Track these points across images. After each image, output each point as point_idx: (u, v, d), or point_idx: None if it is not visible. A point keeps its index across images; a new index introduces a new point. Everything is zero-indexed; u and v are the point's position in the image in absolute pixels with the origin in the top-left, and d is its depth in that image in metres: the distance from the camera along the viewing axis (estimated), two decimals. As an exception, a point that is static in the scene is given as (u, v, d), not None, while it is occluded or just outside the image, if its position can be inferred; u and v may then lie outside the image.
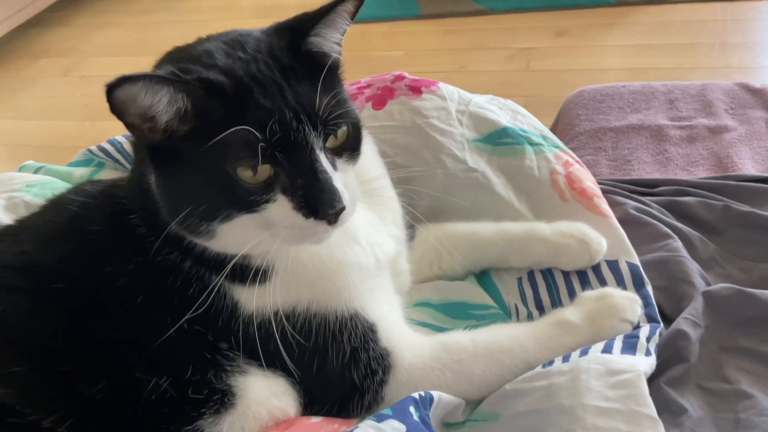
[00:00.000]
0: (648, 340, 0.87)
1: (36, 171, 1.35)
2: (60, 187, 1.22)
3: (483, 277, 1.08)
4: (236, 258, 0.83)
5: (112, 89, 0.71)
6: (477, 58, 3.07)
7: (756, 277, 1.01)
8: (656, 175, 1.44)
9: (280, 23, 0.87)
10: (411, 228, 1.05)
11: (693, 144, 1.49)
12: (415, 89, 1.20)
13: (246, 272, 0.85)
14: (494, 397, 0.88)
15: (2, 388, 0.77)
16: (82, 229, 0.89)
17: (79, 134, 3.15)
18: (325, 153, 0.79)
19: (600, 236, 1.00)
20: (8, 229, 0.96)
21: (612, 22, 3.10)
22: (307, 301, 0.87)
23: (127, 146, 1.30)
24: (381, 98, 1.21)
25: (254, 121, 0.75)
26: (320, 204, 0.77)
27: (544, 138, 1.14)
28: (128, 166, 1.27)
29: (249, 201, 0.77)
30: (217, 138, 0.74)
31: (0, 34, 3.66)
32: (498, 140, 1.14)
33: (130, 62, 3.61)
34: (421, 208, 1.04)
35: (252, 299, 0.86)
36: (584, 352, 0.85)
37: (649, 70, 2.72)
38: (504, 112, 1.19)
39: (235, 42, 0.83)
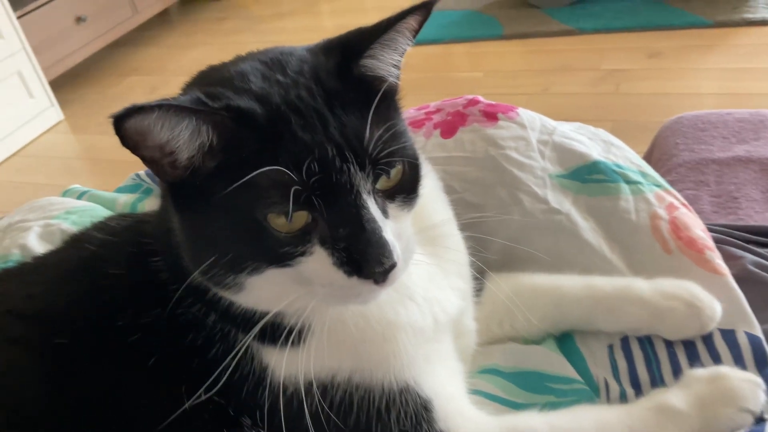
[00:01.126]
0: None
1: (80, 196, 1.24)
2: (100, 215, 1.10)
3: (565, 341, 0.87)
4: (268, 316, 0.67)
5: (120, 121, 0.56)
6: (562, 79, 2.90)
7: None
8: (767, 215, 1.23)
9: (329, 40, 0.70)
10: (478, 279, 0.86)
11: None
12: (491, 115, 1.01)
13: (278, 332, 0.70)
14: None
15: None
16: (98, 271, 0.76)
17: None
18: (374, 197, 0.63)
19: (713, 299, 0.80)
20: (22, 268, 0.84)
21: (709, 44, 2.89)
22: (348, 370, 0.71)
23: None
24: (451, 125, 1.02)
25: (289, 159, 0.59)
26: (365, 260, 0.61)
27: (644, 175, 0.93)
28: None
29: (281, 253, 0.62)
30: (245, 179, 0.59)
31: (92, 51, 3.71)
32: (587, 176, 0.94)
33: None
34: (491, 256, 0.85)
35: (283, 364, 0.71)
36: None
37: (750, 96, 2.51)
38: (595, 144, 0.98)
39: (274, 62, 0.67)
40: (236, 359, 0.68)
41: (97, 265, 0.77)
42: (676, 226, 0.87)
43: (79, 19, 3.55)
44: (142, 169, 1.22)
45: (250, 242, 0.62)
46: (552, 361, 0.85)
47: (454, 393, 0.75)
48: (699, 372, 0.75)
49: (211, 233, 0.64)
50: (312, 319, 0.69)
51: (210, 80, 0.66)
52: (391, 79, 0.68)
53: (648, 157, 1.58)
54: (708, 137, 1.46)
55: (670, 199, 0.90)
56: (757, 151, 1.37)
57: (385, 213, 0.64)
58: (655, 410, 0.73)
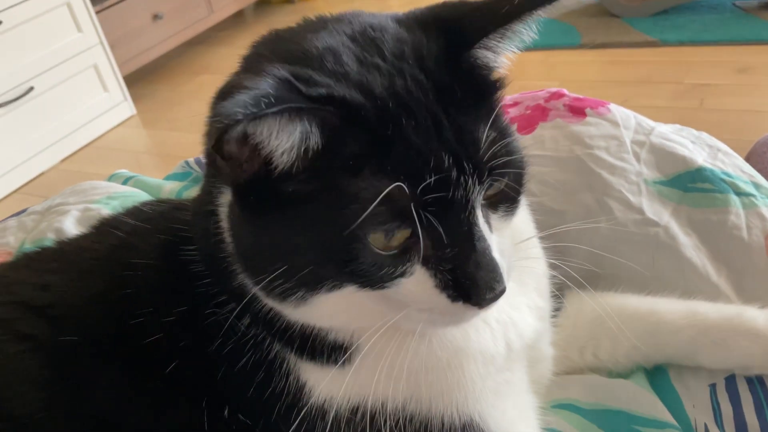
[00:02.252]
0: None
1: (125, 181, 1.16)
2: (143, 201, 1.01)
3: (658, 377, 0.73)
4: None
5: (234, 125, 0.44)
6: (643, 92, 2.73)
7: None
8: None
9: (426, 15, 0.57)
10: (557, 298, 0.72)
11: None
12: (577, 110, 0.87)
13: (323, 346, 0.59)
14: None
15: None
16: (122, 261, 0.65)
17: None
18: (482, 210, 0.52)
19: None
20: (42, 253, 0.75)
21: None
22: (402, 399, 0.60)
23: None
24: (530, 119, 0.89)
25: (403, 169, 0.48)
26: (475, 285, 0.51)
27: (757, 186, 0.79)
28: None
29: (378, 274, 0.51)
30: (347, 191, 0.48)
31: (167, 49, 3.73)
32: (690, 184, 0.80)
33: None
34: (573, 272, 0.71)
35: (325, 384, 0.59)
36: None
37: None
38: (699, 148, 0.84)
39: (366, 39, 0.54)
40: (270, 373, 0.58)
41: (123, 254, 0.67)
42: None
43: (156, 17, 3.57)
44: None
45: (338, 259, 0.50)
46: (641, 400, 0.70)
47: (519, 419, 0.62)
48: None
49: (287, 243, 0.52)
50: (362, 336, 0.57)
51: (289, 55, 0.54)
52: (502, 71, 0.56)
53: None
54: None
55: None
56: None
57: (489, 226, 0.52)
58: None
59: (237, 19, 4.28)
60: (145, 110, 3.57)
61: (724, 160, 0.83)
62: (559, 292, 0.72)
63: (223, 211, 0.58)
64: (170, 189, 1.09)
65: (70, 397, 0.59)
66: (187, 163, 1.16)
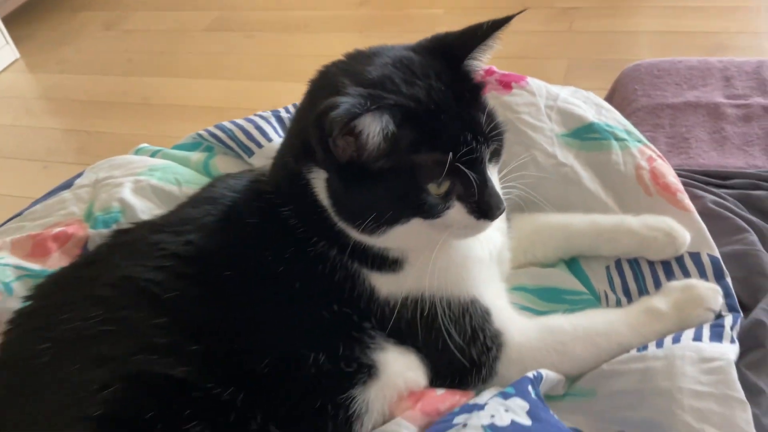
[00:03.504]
0: (732, 329, 0.98)
1: (153, 154, 1.44)
2: (180, 172, 1.33)
3: (573, 264, 1.18)
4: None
5: (354, 117, 0.81)
6: (519, 17, 3.10)
7: (827, 270, 1.11)
8: (713, 154, 1.53)
9: (429, 44, 0.98)
10: (508, 219, 1.15)
11: (749, 123, 1.57)
12: (506, 84, 1.29)
13: (384, 261, 0.97)
14: (591, 376, 0.99)
15: (184, 366, 0.87)
16: (239, 222, 1.00)
17: (126, 90, 3.25)
18: (487, 163, 0.93)
19: (684, 230, 1.10)
20: (166, 220, 1.06)
21: None
22: (434, 289, 0.98)
23: (239, 134, 1.38)
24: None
25: (446, 144, 0.87)
26: (490, 208, 0.92)
27: (629, 133, 1.23)
28: (240, 153, 1.37)
29: (433, 210, 0.89)
30: (415, 161, 0.87)
31: (42, -14, 3.72)
32: (585, 135, 1.23)
33: (171, 16, 3.69)
34: (514, 201, 1.14)
35: (387, 285, 0.98)
36: (677, 339, 0.96)
37: (694, 34, 2.80)
38: (588, 107, 1.27)
39: (402, 65, 0.92)
40: (353, 282, 0.96)
41: (236, 217, 1.00)
42: (655, 174, 1.17)
43: (30, -47, 3.57)
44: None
45: (409, 204, 0.89)
46: (565, 280, 1.16)
47: (502, 304, 1.05)
48: (675, 284, 1.06)
49: (374, 199, 0.89)
50: (409, 253, 0.97)
51: (360, 80, 0.89)
52: (482, 72, 0.97)
53: (609, 100, 1.82)
54: (662, 84, 1.74)
55: (649, 152, 1.20)
56: (705, 96, 1.66)
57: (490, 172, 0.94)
58: (645, 311, 1.03)
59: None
60: (29, 53, 3.60)
61: (606, 115, 1.26)
62: (508, 216, 1.15)
63: (318, 184, 0.93)
64: (196, 159, 1.37)
65: (234, 308, 0.93)
66: (199, 134, 1.43)
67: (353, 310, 0.96)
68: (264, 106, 2.89)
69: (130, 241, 1.03)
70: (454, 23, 3.07)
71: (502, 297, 1.06)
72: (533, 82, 1.29)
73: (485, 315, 1.00)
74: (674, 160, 1.49)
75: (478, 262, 1.02)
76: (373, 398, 0.96)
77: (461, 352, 0.98)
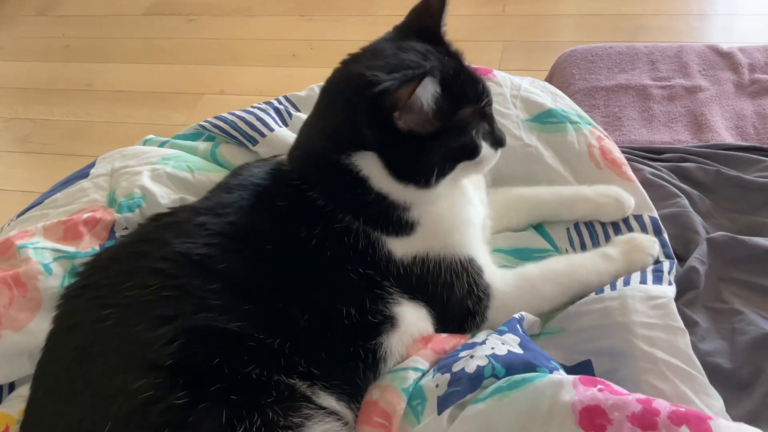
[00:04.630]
0: (669, 273, 1.25)
1: (161, 144, 1.60)
2: (191, 160, 1.51)
3: (539, 228, 1.45)
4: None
5: (414, 88, 1.02)
6: (454, 2, 3.32)
7: (741, 225, 1.42)
8: (643, 131, 1.80)
9: (407, 27, 1.21)
10: (486, 193, 1.41)
11: (672, 102, 1.85)
12: (475, 77, 1.54)
13: (401, 225, 1.17)
14: (560, 317, 1.23)
15: (239, 321, 1.03)
16: (271, 205, 1.17)
17: (66, 76, 3.31)
18: None
19: (630, 196, 1.36)
20: (205, 205, 1.20)
21: None
22: (438, 248, 1.19)
23: (242, 124, 1.56)
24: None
25: (474, 97, 1.14)
26: (502, 138, 1.22)
27: (580, 117, 1.50)
28: (244, 142, 1.55)
29: (476, 151, 1.16)
30: (461, 115, 1.12)
31: (-31, -30, 3.74)
32: (545, 120, 1.50)
33: (108, 1, 3.76)
34: (490, 176, 1.40)
35: (401, 248, 1.18)
36: (627, 282, 1.19)
37: (618, 16, 3.07)
38: (546, 95, 1.54)
39: (408, 50, 1.14)
40: (374, 247, 1.15)
41: (269, 201, 1.17)
42: (604, 151, 1.44)
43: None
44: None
45: (461, 151, 1.14)
46: (533, 241, 1.42)
47: (488, 262, 1.27)
48: (621, 237, 1.32)
49: (435, 156, 1.11)
50: (421, 217, 1.18)
51: (391, 67, 1.09)
52: None
53: (548, 82, 2.10)
54: (596, 68, 2.00)
55: (598, 133, 1.48)
56: (634, 79, 1.94)
57: None
58: (599, 255, 1.28)
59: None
60: None
61: (561, 102, 1.53)
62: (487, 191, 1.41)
63: (366, 165, 1.12)
64: (204, 148, 1.54)
65: (279, 272, 1.10)
66: (201, 125, 1.59)
67: (375, 271, 1.15)
68: (210, 89, 3.11)
69: (177, 222, 1.17)
70: (392, 5, 3.29)
71: (487, 256, 1.31)
72: (499, 75, 1.55)
73: (479, 271, 1.22)
74: (611, 137, 1.77)
75: (472, 226, 1.24)
76: (394, 344, 1.15)
77: (460, 303, 1.20)
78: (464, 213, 1.24)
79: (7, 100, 3.25)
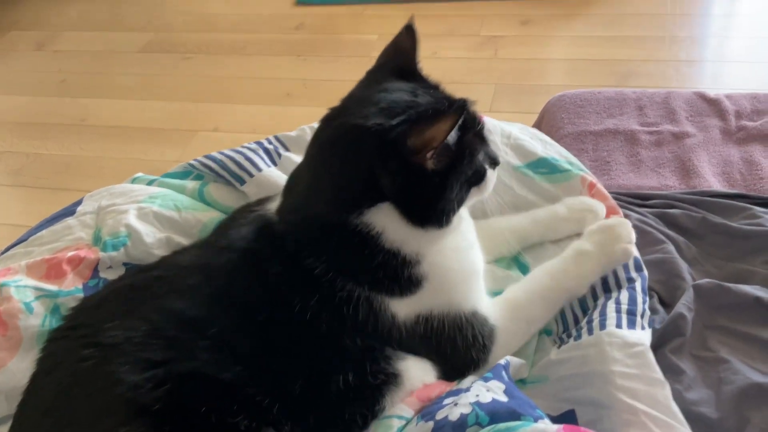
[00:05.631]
0: (642, 317, 1.19)
1: (149, 183, 1.58)
2: (179, 199, 1.48)
3: (520, 265, 1.43)
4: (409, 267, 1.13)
5: (452, 122, 1.00)
6: (448, 44, 3.37)
7: (727, 272, 1.42)
8: (631, 176, 1.79)
9: (385, 67, 1.18)
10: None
11: (660, 148, 1.86)
12: (465, 122, 1.55)
13: (406, 284, 1.12)
14: (542, 364, 1.21)
15: (232, 375, 1.00)
16: (264, 272, 1.10)
17: (60, 111, 3.31)
18: None
19: (600, 203, 1.38)
20: (195, 263, 1.16)
21: (572, 12, 3.46)
22: (442, 305, 1.15)
23: (230, 164, 1.54)
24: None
25: (472, 122, 1.12)
26: (497, 157, 1.20)
27: (571, 163, 1.49)
28: (232, 182, 1.52)
29: (482, 174, 1.15)
30: (467, 142, 1.10)
31: (-33, 5, 3.77)
32: (536, 169, 1.49)
33: (104, 37, 3.79)
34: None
35: (405, 309, 1.13)
36: (603, 326, 1.16)
37: (608, 62, 3.10)
38: (535, 142, 1.54)
39: (395, 90, 1.11)
40: (376, 313, 1.10)
41: (260, 267, 1.10)
42: (596, 197, 1.41)
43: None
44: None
45: (472, 178, 1.13)
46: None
47: (488, 303, 1.23)
48: (592, 226, 1.30)
49: (452, 189, 1.08)
50: (430, 270, 1.13)
51: (389, 110, 1.05)
52: None
53: (538, 126, 2.11)
54: (585, 113, 2.01)
55: (589, 179, 1.45)
56: (622, 124, 1.94)
57: None
58: (576, 255, 1.26)
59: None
60: None
61: (551, 149, 1.52)
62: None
63: (379, 219, 1.07)
64: (192, 187, 1.52)
65: (273, 348, 1.05)
66: (191, 164, 1.57)
67: (376, 339, 1.11)
68: (204, 127, 3.12)
69: (168, 278, 1.13)
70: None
71: (487, 297, 1.25)
72: (489, 121, 1.54)
73: (484, 321, 1.19)
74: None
75: (477, 274, 1.21)
76: (395, 401, 1.12)
77: (464, 355, 1.17)
78: (470, 262, 1.22)
79: (1, 134, 3.23)
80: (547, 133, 2.01)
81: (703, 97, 2.01)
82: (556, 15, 3.49)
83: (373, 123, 1.03)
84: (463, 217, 1.22)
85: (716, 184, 1.70)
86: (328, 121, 1.14)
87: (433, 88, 1.16)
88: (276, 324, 1.08)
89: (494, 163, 1.19)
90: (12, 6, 4.12)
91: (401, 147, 1.01)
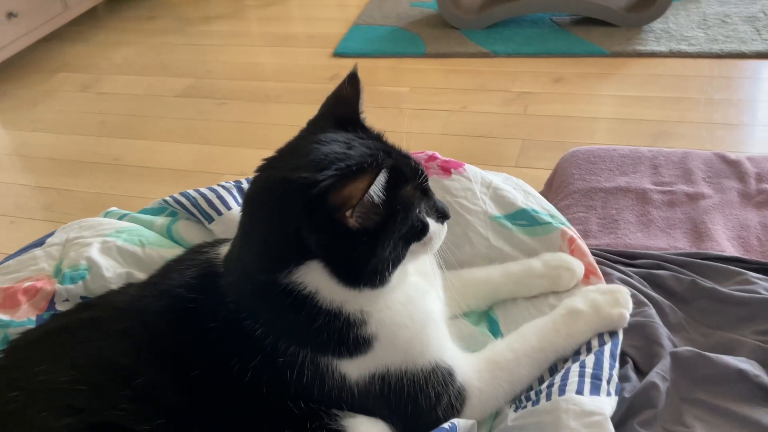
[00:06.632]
0: (608, 383, 1.12)
1: (121, 217, 1.57)
2: (145, 234, 1.47)
3: (491, 322, 1.37)
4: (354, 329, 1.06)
5: (371, 178, 0.91)
6: (479, 99, 3.33)
7: (713, 341, 1.31)
8: (639, 235, 1.70)
9: (325, 117, 1.12)
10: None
11: (673, 208, 1.76)
12: (446, 170, 1.49)
13: (355, 344, 1.06)
14: (501, 429, 1.13)
15: (150, 426, 0.96)
16: (202, 325, 1.06)
17: (96, 150, 3.37)
18: None
19: (577, 260, 1.33)
20: (133, 306, 1.12)
21: (606, 72, 3.39)
22: (399, 362, 1.08)
23: (201, 201, 1.51)
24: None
25: (411, 174, 1.04)
26: (446, 210, 1.12)
27: (552, 216, 1.43)
28: (201, 219, 1.50)
29: (424, 230, 1.06)
30: (402, 197, 1.02)
31: (21, 47, 3.91)
32: (515, 220, 1.43)
33: (146, 81, 3.88)
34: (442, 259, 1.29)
35: (357, 369, 1.07)
36: (562, 391, 1.08)
37: (639, 122, 3.01)
38: (518, 192, 1.48)
39: (330, 141, 1.03)
40: (323, 375, 1.04)
41: (199, 319, 1.05)
42: (574, 253, 1.36)
43: (11, 15, 3.77)
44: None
45: (409, 234, 1.03)
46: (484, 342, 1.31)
47: (457, 355, 1.15)
48: (590, 287, 1.26)
49: (386, 246, 0.99)
50: (379, 329, 1.06)
51: (320, 164, 0.97)
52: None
53: (550, 182, 2.05)
54: (597, 169, 1.94)
55: (570, 233, 1.39)
56: (635, 182, 1.85)
57: None
58: (567, 314, 1.20)
59: (91, 15, 4.51)
60: (4, 110, 3.75)
61: (533, 201, 1.46)
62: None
63: (309, 278, 0.99)
64: (161, 224, 1.50)
65: (206, 405, 1.00)
66: (165, 200, 1.56)
67: (322, 403, 1.05)
68: (232, 170, 3.13)
69: (100, 321, 1.10)
70: (418, 100, 3.30)
71: (454, 349, 1.18)
72: (470, 169, 1.50)
73: (448, 376, 1.11)
74: (604, 239, 1.69)
75: (434, 323, 1.13)
76: None
77: (428, 414, 1.09)
78: (423, 311, 1.14)
79: (37, 169, 3.30)
80: (558, 189, 1.97)
81: (723, 158, 1.91)
82: (590, 74, 3.42)
83: (298, 176, 0.95)
84: (409, 271, 1.15)
85: (729, 248, 1.60)
86: (260, 172, 1.07)
87: (374, 138, 1.09)
88: (210, 380, 1.02)
89: (443, 217, 1.12)
90: (64, 49, 4.26)
91: (324, 203, 0.93)
